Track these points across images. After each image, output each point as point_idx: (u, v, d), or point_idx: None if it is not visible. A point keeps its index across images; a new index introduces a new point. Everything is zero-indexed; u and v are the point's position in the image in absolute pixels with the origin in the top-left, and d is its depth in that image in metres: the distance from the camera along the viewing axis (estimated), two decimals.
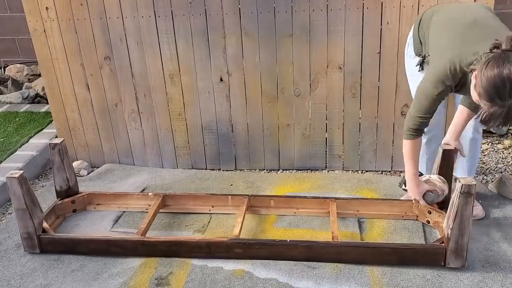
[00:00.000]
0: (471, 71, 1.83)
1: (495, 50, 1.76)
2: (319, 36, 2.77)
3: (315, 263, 2.19)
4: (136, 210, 2.66)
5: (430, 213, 2.39)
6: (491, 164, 3.03)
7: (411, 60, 2.39)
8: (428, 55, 2.18)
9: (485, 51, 1.81)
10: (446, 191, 2.29)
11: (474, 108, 2.16)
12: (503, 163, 3.04)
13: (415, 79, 2.32)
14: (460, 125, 2.27)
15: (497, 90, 1.68)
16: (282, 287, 2.06)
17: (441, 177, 2.31)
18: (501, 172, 2.93)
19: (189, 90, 2.98)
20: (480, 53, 1.84)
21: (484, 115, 1.75)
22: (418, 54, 2.32)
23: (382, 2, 2.66)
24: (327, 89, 2.88)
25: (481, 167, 3.01)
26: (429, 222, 2.41)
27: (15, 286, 2.14)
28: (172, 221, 2.58)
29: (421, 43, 2.28)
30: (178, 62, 2.91)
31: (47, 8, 2.87)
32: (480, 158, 3.10)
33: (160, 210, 2.59)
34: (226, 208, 2.60)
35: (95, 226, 2.56)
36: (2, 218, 2.72)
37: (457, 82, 1.98)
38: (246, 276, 2.13)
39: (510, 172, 2.93)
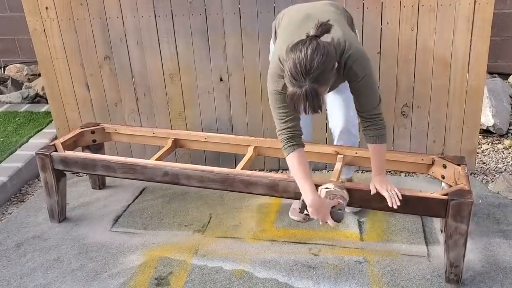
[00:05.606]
0: None
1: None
2: None
3: (315, 263, 2.19)
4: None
5: (445, 167, 2.24)
6: (491, 164, 3.03)
7: None
8: None
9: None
10: (347, 197, 2.01)
11: (373, 140, 2.02)
12: (503, 163, 3.03)
13: None
14: (372, 161, 2.10)
15: (291, 73, 1.68)
16: (282, 287, 2.06)
17: (334, 181, 2.10)
18: (501, 172, 2.93)
19: (189, 90, 2.97)
20: None
21: (288, 99, 1.72)
22: None
23: (382, 2, 2.66)
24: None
25: (481, 167, 3.01)
26: (443, 177, 2.24)
27: (15, 286, 2.14)
28: (172, 221, 2.58)
29: None
30: (178, 62, 2.91)
31: (47, 8, 2.87)
32: (480, 158, 3.10)
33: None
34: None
35: (95, 225, 2.56)
36: (2, 218, 2.72)
37: None
38: (246, 276, 2.13)
39: (510, 172, 2.93)
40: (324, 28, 1.74)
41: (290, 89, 1.71)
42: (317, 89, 1.67)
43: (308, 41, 1.69)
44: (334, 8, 2.07)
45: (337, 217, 1.94)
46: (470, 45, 2.68)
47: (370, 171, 3.01)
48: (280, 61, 1.89)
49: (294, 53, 1.68)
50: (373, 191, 2.01)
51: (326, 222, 1.94)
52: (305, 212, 1.97)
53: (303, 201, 1.96)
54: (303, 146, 1.99)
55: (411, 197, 1.98)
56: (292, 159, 1.96)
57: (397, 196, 1.95)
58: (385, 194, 1.97)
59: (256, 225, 2.51)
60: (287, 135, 1.96)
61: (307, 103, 1.67)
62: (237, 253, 2.29)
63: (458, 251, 1.96)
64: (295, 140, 1.96)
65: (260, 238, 2.41)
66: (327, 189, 1.97)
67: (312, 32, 1.73)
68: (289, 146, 1.95)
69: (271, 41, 2.34)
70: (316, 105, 1.68)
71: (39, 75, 4.27)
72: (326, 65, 1.68)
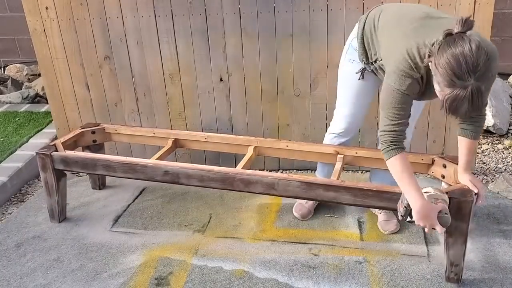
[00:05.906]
0: (429, 63, 1.67)
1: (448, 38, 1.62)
2: (319, 36, 2.76)
3: (315, 263, 2.19)
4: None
5: (445, 167, 2.21)
6: (491, 164, 3.03)
7: (350, 65, 2.19)
8: (381, 59, 1.98)
9: (439, 39, 1.64)
10: (448, 200, 1.90)
11: (472, 135, 1.95)
12: (503, 163, 3.04)
13: (351, 87, 2.18)
14: (464, 157, 2.00)
15: (453, 71, 1.54)
16: (282, 287, 2.07)
17: (432, 183, 2.02)
18: (501, 172, 2.93)
19: (189, 90, 2.98)
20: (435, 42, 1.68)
21: (447, 101, 1.56)
22: (361, 60, 2.12)
23: (382, 2, 2.66)
24: (327, 89, 2.88)
25: (481, 167, 3.01)
26: (443, 177, 2.23)
27: (15, 286, 2.14)
28: (172, 221, 2.58)
29: (365, 48, 2.08)
30: (178, 62, 2.91)
31: (47, 8, 2.87)
32: (480, 158, 3.10)
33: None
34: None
35: (95, 225, 2.57)
36: (2, 218, 2.72)
37: (422, 77, 1.78)
38: (246, 276, 2.13)
39: (510, 172, 2.93)
40: (469, 24, 1.60)
41: (448, 90, 1.56)
42: (481, 88, 1.54)
43: (466, 38, 1.56)
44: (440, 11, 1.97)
45: (445, 222, 1.81)
46: None
47: (369, 171, 3.03)
48: (410, 58, 1.75)
49: (454, 50, 1.55)
50: (476, 190, 1.92)
51: (433, 229, 1.81)
52: (409, 219, 1.87)
53: (406, 207, 1.84)
54: (404, 149, 1.87)
55: None
56: (395, 163, 1.83)
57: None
58: (482, 193, 1.93)
59: (256, 225, 2.52)
60: (393, 138, 1.83)
61: (471, 104, 1.54)
62: (237, 253, 2.30)
63: (458, 250, 1.96)
64: (399, 144, 1.84)
65: (260, 238, 2.41)
66: (427, 193, 1.85)
67: (456, 29, 1.59)
68: (392, 149, 1.83)
69: (354, 36, 2.18)
70: (480, 105, 1.57)
71: (39, 75, 4.27)
72: (490, 62, 1.57)
